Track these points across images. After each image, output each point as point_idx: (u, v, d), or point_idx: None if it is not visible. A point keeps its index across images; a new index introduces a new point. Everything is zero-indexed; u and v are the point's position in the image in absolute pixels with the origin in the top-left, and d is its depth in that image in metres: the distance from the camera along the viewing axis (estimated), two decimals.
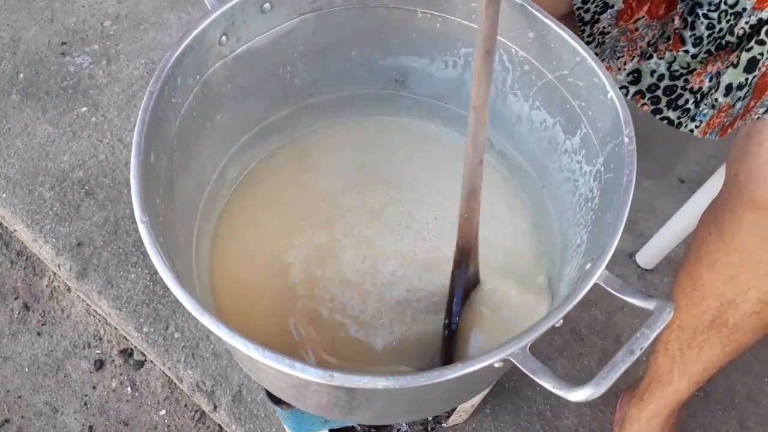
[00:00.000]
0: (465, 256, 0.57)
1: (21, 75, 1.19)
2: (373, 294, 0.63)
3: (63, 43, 1.24)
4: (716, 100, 0.67)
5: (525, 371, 0.41)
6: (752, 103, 0.59)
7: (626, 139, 0.49)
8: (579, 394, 0.39)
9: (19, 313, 1.04)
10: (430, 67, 0.67)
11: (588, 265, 0.46)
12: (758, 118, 0.56)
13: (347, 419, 0.68)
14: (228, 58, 0.57)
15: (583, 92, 0.54)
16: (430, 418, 0.86)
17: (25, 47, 1.23)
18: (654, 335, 0.40)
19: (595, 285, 0.44)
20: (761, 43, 0.61)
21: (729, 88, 0.65)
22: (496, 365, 0.42)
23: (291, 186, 0.69)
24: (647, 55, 0.73)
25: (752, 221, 0.57)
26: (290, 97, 0.67)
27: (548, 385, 0.40)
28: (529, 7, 0.54)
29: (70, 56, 1.23)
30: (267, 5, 0.56)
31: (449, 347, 0.59)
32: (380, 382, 0.39)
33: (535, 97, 0.61)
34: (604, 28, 0.71)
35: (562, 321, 0.43)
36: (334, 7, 0.60)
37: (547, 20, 0.54)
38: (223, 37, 0.55)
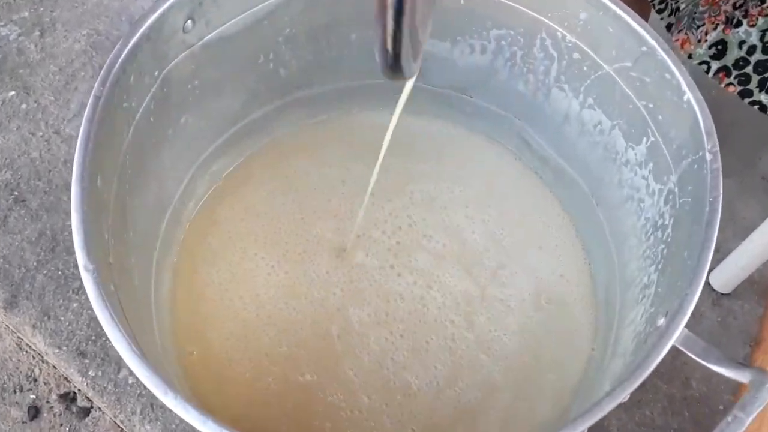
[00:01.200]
0: None
1: None
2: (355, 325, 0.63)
3: None
4: None
5: None
6: None
7: (708, 156, 0.47)
8: None
9: None
10: (452, 53, 0.65)
11: (661, 320, 0.45)
12: None
13: None
14: (195, 48, 0.56)
15: (651, 91, 0.53)
16: None
17: None
18: (750, 420, 0.39)
19: None
20: None
21: None
22: None
23: (270, 203, 0.68)
24: (734, 21, 0.71)
25: None
26: (274, 90, 0.66)
27: None
28: None
29: None
30: None
31: None
32: None
33: (588, 92, 0.60)
34: None
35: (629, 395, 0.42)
36: None
37: None
38: (189, 22, 0.54)
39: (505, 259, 0.66)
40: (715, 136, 0.48)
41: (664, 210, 0.53)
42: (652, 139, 0.54)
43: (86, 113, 0.47)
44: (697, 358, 0.42)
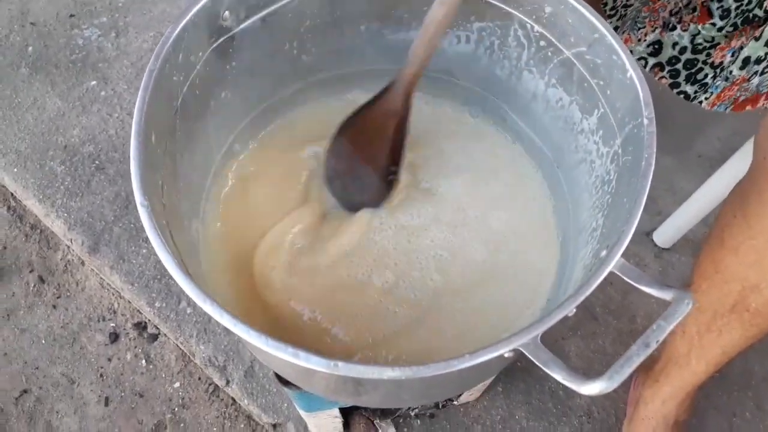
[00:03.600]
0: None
1: (30, 48, 1.18)
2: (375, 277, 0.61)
3: (71, 16, 1.22)
4: (731, 72, 0.64)
5: (536, 362, 0.40)
6: None
7: (645, 121, 0.46)
8: (591, 388, 0.38)
9: (34, 286, 1.04)
10: (442, 42, 0.64)
11: (603, 252, 0.45)
12: None
13: (355, 402, 0.67)
14: (232, 34, 0.55)
15: (602, 70, 0.52)
16: None
17: (33, 20, 1.21)
18: (671, 327, 0.38)
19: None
20: None
21: (746, 61, 0.62)
22: (506, 355, 0.40)
23: (300, 163, 0.67)
24: (670, 26, 0.70)
25: None
26: (298, 73, 0.65)
27: (559, 377, 0.39)
28: None
29: (79, 29, 1.21)
30: None
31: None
32: (386, 373, 0.38)
33: (552, 74, 0.58)
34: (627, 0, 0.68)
35: (575, 309, 0.42)
36: None
37: None
38: (227, 13, 0.53)
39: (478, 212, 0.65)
40: (652, 105, 0.47)
41: (610, 168, 0.52)
42: (602, 110, 0.53)
43: (142, 82, 0.47)
44: (631, 282, 0.42)
